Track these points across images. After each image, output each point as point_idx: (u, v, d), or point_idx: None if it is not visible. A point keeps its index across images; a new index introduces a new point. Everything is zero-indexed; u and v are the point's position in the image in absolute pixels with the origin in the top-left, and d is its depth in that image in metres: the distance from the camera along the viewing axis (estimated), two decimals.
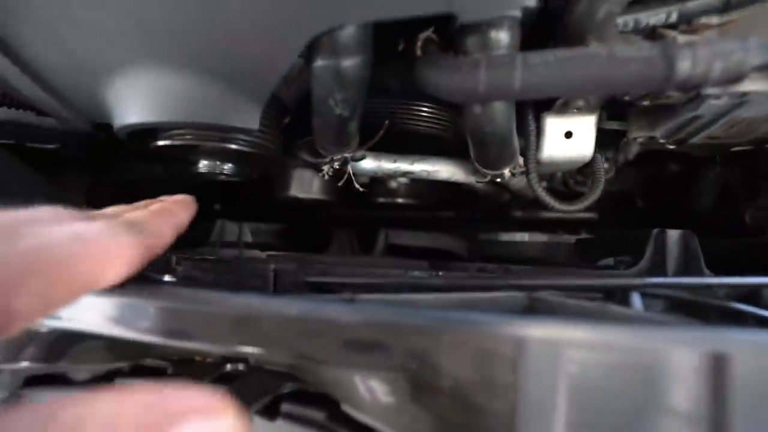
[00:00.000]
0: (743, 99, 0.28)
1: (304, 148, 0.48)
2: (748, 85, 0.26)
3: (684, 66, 0.23)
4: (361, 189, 0.45)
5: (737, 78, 0.23)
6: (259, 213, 0.74)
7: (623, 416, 0.18)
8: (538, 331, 0.19)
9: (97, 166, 0.60)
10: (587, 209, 0.49)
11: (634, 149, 0.44)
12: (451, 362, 0.20)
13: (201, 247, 0.61)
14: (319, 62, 0.28)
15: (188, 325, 0.23)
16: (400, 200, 0.64)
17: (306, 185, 0.60)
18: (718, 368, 0.17)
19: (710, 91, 0.27)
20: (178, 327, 0.23)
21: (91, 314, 0.25)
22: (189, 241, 0.62)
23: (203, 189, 0.44)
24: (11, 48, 0.31)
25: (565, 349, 0.18)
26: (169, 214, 0.25)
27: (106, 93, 0.33)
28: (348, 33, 0.26)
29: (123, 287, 0.24)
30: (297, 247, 0.70)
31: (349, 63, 0.28)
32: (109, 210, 0.26)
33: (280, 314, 0.21)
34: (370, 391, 0.23)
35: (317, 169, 0.47)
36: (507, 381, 0.19)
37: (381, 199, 0.62)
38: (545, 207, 0.44)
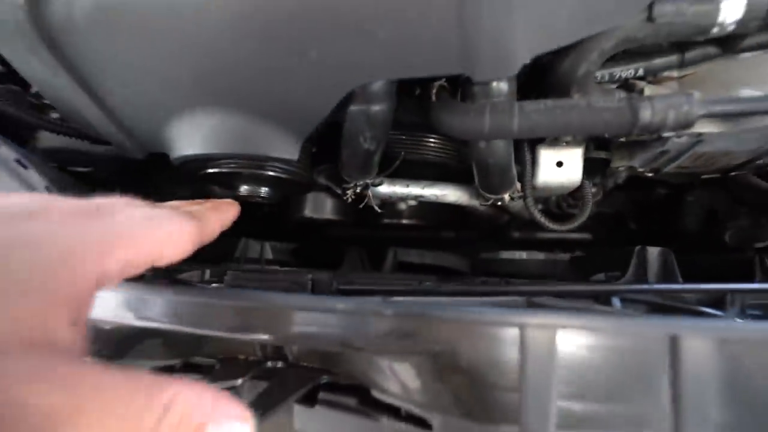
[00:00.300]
0: (699, 138, 0.35)
1: (323, 174, 0.55)
2: (699, 128, 0.33)
3: (645, 115, 0.30)
4: (378, 210, 0.51)
5: (687, 125, 0.30)
6: (274, 232, 0.79)
7: (605, 385, 0.23)
8: (537, 319, 0.24)
9: (131, 187, 0.65)
10: (581, 230, 0.54)
11: (623, 174, 0.50)
12: (467, 346, 0.25)
13: (226, 262, 0.66)
14: (354, 107, 0.34)
15: (253, 320, 0.28)
16: (405, 221, 0.69)
17: (319, 206, 0.66)
18: (673, 345, 0.22)
19: (668, 134, 0.33)
20: (244, 322, 0.28)
21: (163, 312, 0.30)
22: (216, 256, 0.67)
23: None
24: (93, 90, 0.37)
25: (559, 333, 0.23)
26: (219, 211, 0.29)
27: (169, 129, 0.39)
28: (378, 85, 0.33)
29: (195, 289, 0.30)
30: (310, 265, 0.75)
31: (378, 108, 0.34)
32: (172, 203, 0.31)
33: (329, 309, 0.27)
34: (397, 375, 0.28)
35: (334, 192, 0.53)
36: (513, 360, 0.24)
37: (387, 220, 0.67)
38: (542, 227, 0.49)
